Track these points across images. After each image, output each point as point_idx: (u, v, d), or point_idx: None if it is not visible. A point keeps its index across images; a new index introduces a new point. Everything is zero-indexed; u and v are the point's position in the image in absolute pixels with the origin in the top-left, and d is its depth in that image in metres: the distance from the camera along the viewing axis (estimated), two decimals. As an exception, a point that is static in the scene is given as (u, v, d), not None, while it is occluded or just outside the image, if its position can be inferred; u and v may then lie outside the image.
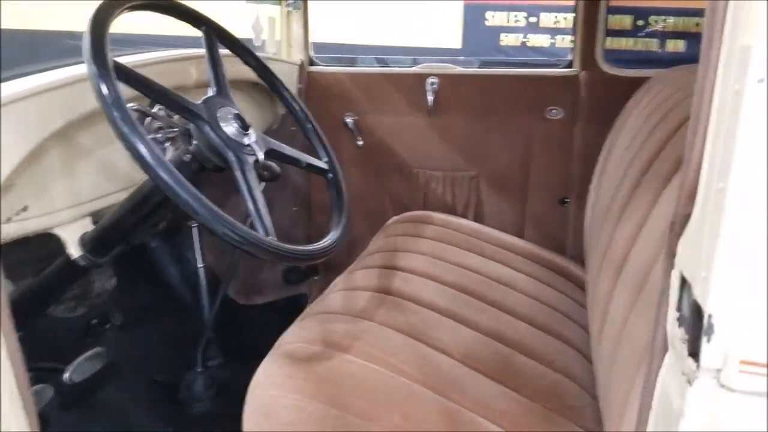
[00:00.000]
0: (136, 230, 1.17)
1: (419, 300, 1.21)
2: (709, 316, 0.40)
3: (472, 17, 4.80)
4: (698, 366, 0.41)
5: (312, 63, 1.95)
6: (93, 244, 1.12)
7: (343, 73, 1.93)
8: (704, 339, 0.41)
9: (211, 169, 1.01)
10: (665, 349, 0.48)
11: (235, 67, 1.21)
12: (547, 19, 4.72)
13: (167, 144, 1.19)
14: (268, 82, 1.23)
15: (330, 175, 1.19)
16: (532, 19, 4.73)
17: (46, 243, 1.08)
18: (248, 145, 0.99)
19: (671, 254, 0.47)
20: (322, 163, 1.19)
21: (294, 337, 1.06)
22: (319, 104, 1.88)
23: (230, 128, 0.98)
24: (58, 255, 1.12)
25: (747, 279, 0.39)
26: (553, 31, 4.71)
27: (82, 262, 1.12)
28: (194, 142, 0.99)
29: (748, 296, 0.39)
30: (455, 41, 4.79)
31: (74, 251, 1.12)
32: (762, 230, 0.38)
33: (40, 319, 1.20)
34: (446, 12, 4.88)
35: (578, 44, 1.83)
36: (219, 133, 0.96)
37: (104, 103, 0.80)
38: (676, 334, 0.46)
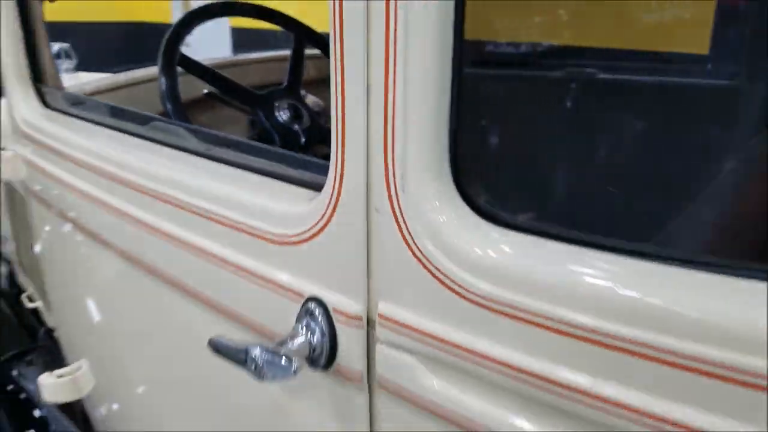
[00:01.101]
0: None
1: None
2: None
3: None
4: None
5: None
6: None
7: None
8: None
9: None
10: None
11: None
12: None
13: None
14: None
15: None
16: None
17: None
18: (296, 131, 1.09)
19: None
20: None
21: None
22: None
23: (282, 116, 1.09)
24: None
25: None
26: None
27: None
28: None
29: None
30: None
31: None
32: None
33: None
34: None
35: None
36: (270, 119, 1.07)
37: (160, 91, 0.97)
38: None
